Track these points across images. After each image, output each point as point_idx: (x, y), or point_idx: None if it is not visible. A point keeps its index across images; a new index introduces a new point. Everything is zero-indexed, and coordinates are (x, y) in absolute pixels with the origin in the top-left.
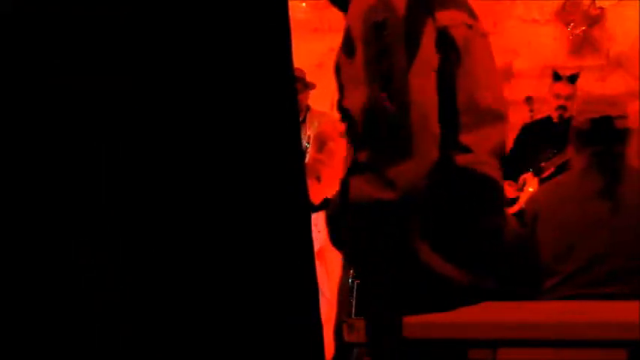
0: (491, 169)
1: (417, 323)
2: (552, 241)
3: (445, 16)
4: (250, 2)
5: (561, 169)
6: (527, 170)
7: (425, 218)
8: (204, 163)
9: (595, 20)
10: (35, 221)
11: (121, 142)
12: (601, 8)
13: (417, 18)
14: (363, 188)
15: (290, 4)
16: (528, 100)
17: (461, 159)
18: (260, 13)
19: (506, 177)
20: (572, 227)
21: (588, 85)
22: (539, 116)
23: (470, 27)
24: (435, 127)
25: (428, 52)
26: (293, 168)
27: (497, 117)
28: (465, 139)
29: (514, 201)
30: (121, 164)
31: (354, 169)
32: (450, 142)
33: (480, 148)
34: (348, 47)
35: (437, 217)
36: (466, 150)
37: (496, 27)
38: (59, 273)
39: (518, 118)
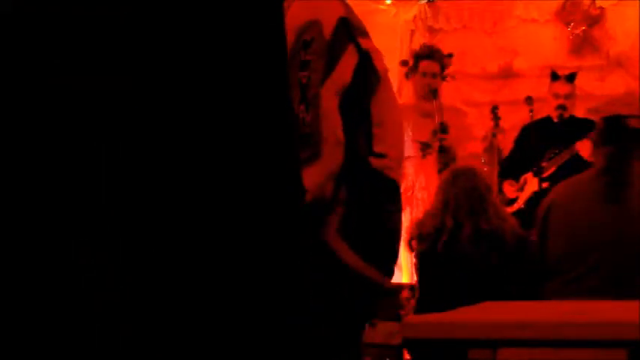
0: (397, 174)
1: (417, 323)
2: (558, 240)
3: (368, 43)
4: (247, 2)
5: (563, 168)
6: (528, 170)
7: (345, 217)
8: (201, 163)
9: (595, 20)
10: (35, 221)
11: (120, 142)
12: (601, 8)
13: (339, 44)
14: None
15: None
16: (528, 100)
17: (376, 162)
18: (257, 14)
19: (506, 177)
20: (578, 229)
21: (588, 84)
22: (539, 116)
23: (379, 52)
24: (341, 135)
25: (341, 74)
26: (289, 168)
27: (402, 131)
28: (378, 148)
29: (513, 201)
30: (120, 164)
31: None
32: (366, 148)
33: (391, 154)
34: None
35: (354, 215)
36: (380, 155)
37: (496, 27)
38: (59, 273)
39: (518, 118)
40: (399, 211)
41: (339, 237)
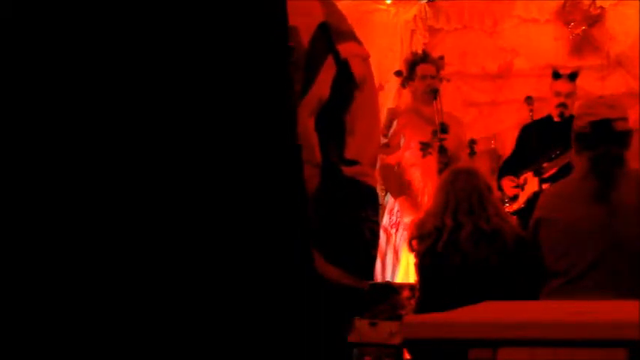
0: (373, 180)
1: (417, 323)
2: (553, 244)
3: (345, 49)
4: (249, 3)
5: (565, 169)
6: (529, 169)
7: (318, 228)
8: (200, 164)
9: (595, 20)
10: (35, 221)
11: (120, 142)
12: (601, 8)
13: (317, 54)
14: None
15: None
16: (528, 100)
17: (348, 170)
18: (258, 14)
19: (506, 174)
20: (571, 231)
21: (588, 84)
22: (539, 116)
23: (360, 56)
24: (318, 157)
25: (319, 90)
26: (289, 170)
27: (376, 135)
28: (349, 154)
29: (514, 198)
30: (120, 164)
31: None
32: (337, 157)
33: (364, 160)
34: None
35: (327, 225)
36: (352, 163)
37: (496, 27)
38: (59, 273)
39: (518, 118)
40: (376, 215)
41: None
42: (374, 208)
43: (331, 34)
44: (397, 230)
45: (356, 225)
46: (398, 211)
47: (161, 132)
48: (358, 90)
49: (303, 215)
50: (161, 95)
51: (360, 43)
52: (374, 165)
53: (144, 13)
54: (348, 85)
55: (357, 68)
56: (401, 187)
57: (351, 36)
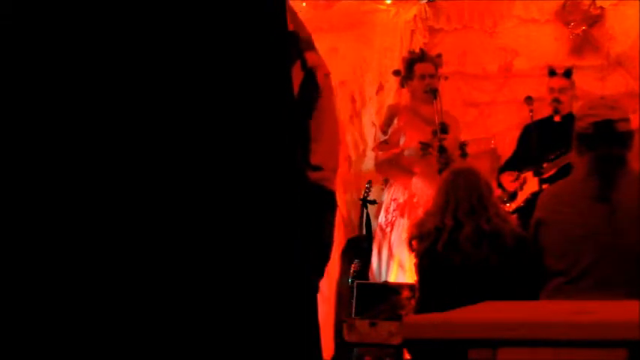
0: (333, 184)
1: (417, 323)
2: (553, 244)
3: (311, 58)
4: (249, 3)
5: (564, 170)
6: (529, 167)
7: None
8: (199, 164)
9: (595, 20)
10: (35, 221)
11: (120, 143)
12: (601, 8)
13: (288, 60)
14: None
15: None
16: (528, 100)
17: (313, 175)
18: (259, 15)
19: (506, 171)
20: (571, 231)
21: (588, 84)
22: (539, 116)
23: (322, 68)
24: None
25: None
26: (288, 169)
27: (338, 142)
28: (314, 160)
29: (513, 196)
30: (120, 164)
31: None
32: (303, 162)
33: (327, 166)
34: None
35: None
36: (317, 168)
37: (496, 27)
38: (59, 273)
39: (518, 118)
40: (333, 217)
41: None
42: (332, 211)
43: (299, 41)
44: (392, 229)
45: (318, 227)
46: (394, 210)
47: (160, 133)
48: (321, 98)
49: (302, 215)
50: (161, 96)
51: (319, 55)
52: (335, 171)
53: (144, 14)
54: (314, 91)
55: (321, 76)
56: (406, 174)
57: (312, 46)
